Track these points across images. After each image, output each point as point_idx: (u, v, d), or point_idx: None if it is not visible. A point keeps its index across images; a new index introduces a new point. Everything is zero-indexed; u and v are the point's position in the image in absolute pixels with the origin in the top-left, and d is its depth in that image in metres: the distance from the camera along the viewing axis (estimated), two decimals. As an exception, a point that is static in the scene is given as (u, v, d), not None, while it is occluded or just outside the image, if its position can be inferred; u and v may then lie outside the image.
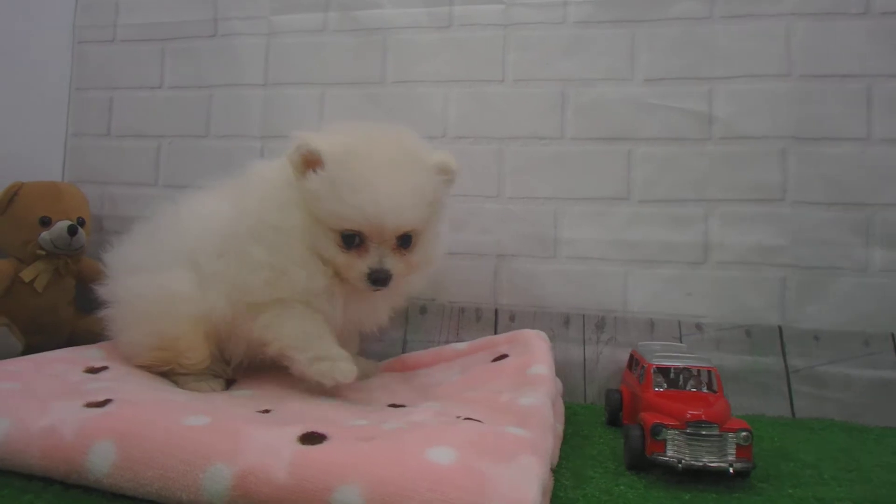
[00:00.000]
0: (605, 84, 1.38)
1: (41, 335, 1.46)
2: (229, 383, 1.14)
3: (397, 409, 1.05)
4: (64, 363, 1.10)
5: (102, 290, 1.23)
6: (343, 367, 1.05)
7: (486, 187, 1.43)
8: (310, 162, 1.01)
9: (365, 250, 1.01)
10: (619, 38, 1.38)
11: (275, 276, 1.04)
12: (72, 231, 1.45)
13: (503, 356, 1.19)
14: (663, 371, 1.05)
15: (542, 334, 1.23)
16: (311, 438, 0.76)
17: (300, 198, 1.02)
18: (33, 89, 1.63)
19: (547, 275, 1.40)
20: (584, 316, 1.38)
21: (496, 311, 1.42)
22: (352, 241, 1.02)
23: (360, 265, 1.01)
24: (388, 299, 1.14)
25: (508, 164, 1.42)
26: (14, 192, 1.46)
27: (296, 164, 1.01)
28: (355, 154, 1.00)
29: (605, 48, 1.38)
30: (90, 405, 0.85)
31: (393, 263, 1.01)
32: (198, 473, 0.72)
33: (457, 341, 1.38)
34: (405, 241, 1.03)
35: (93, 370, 1.08)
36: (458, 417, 0.88)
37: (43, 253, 1.45)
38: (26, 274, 1.44)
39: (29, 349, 1.39)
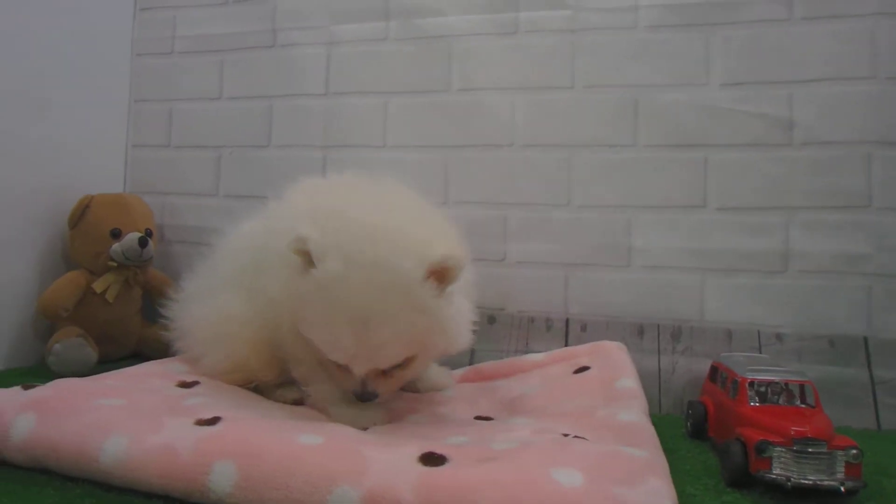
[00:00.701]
0: (678, 90, 1.38)
1: (111, 345, 1.51)
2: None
3: (485, 421, 1.06)
4: (158, 378, 1.13)
5: (172, 318, 1.28)
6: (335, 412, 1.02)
7: (555, 196, 1.43)
8: (309, 261, 0.92)
9: (349, 370, 0.95)
10: (693, 42, 1.37)
11: None
12: (142, 243, 1.49)
13: (584, 368, 1.20)
14: (758, 385, 1.04)
15: (623, 346, 1.24)
16: (432, 460, 0.77)
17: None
18: (94, 102, 1.66)
19: (620, 284, 1.40)
20: (658, 325, 1.37)
21: (567, 320, 1.42)
22: None
23: (346, 381, 0.97)
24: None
25: (578, 172, 1.42)
26: (85, 206, 1.50)
27: (299, 261, 0.94)
28: (334, 276, 0.90)
29: (678, 53, 1.38)
30: (200, 423, 0.87)
31: (378, 384, 0.97)
32: (324, 495, 0.73)
33: (526, 352, 1.40)
34: (399, 365, 0.96)
35: (185, 384, 1.10)
36: (567, 436, 0.89)
37: (114, 265, 1.49)
38: (98, 285, 1.48)
39: (100, 359, 1.43)
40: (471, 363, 1.40)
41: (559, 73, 1.44)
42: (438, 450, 0.79)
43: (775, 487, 0.89)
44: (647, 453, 0.82)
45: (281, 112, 1.61)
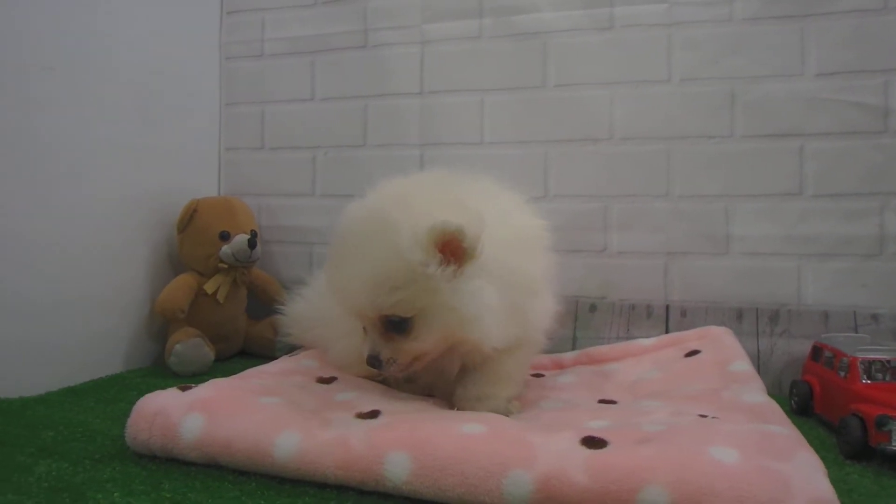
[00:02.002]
0: (775, 80, 1.46)
1: (222, 343, 1.62)
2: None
3: (610, 404, 1.15)
4: (298, 375, 1.23)
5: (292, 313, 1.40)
6: None
7: (654, 187, 1.52)
8: None
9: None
10: (788, 33, 1.45)
11: None
12: (251, 244, 1.59)
13: (695, 352, 1.29)
14: (868, 363, 1.14)
15: (729, 330, 1.34)
16: (594, 443, 0.86)
17: None
18: (186, 108, 1.75)
19: (719, 270, 1.49)
20: (757, 309, 1.47)
21: (667, 307, 1.52)
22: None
23: (363, 348, 1.01)
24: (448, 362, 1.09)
25: (677, 163, 1.51)
26: (193, 210, 1.60)
27: None
28: (341, 227, 1.00)
29: (774, 44, 1.46)
30: (362, 416, 0.98)
31: (383, 349, 0.98)
32: (499, 479, 0.82)
33: (627, 338, 1.50)
34: (396, 327, 0.96)
35: (324, 380, 1.20)
36: (705, 417, 0.99)
37: (224, 266, 1.60)
38: (209, 286, 1.59)
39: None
40: (573, 349, 1.51)
41: (656, 67, 1.52)
42: (596, 434, 0.89)
43: (890, 458, 1.00)
44: (788, 430, 0.91)
45: (376, 112, 1.70)
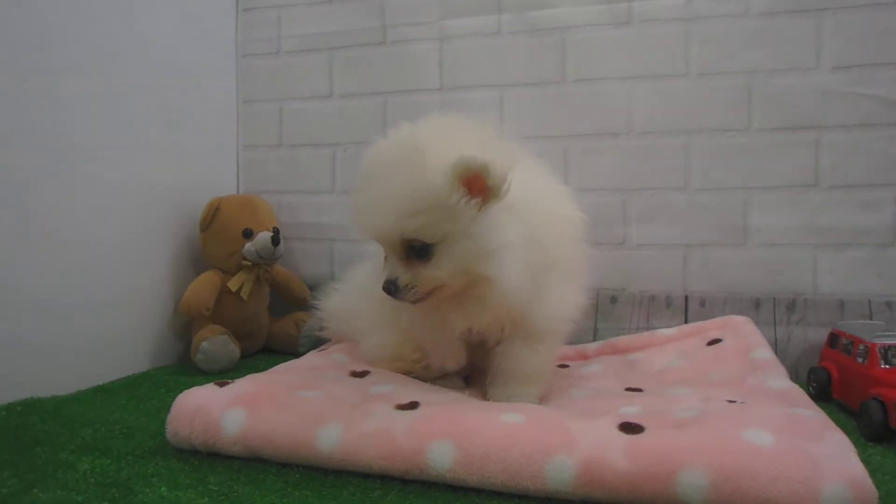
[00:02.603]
0: (791, 74, 1.50)
1: (246, 340, 1.65)
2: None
3: (636, 392, 1.20)
4: (332, 369, 1.27)
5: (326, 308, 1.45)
6: None
7: (673, 180, 1.57)
8: None
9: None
10: (804, 27, 1.49)
11: None
12: (275, 241, 1.62)
13: (717, 340, 1.35)
14: (888, 349, 1.19)
15: (749, 320, 1.38)
16: (631, 428, 0.90)
17: None
18: (203, 106, 1.78)
19: (736, 261, 1.54)
20: (774, 299, 1.52)
21: (686, 297, 1.56)
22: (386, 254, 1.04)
23: (381, 276, 1.03)
24: (457, 314, 1.08)
25: (695, 156, 1.56)
26: (215, 208, 1.64)
27: None
28: (367, 158, 1.03)
29: (790, 38, 1.50)
30: (401, 407, 1.01)
31: (402, 275, 1.00)
32: (541, 465, 0.86)
33: (648, 328, 1.55)
34: (418, 253, 0.99)
35: (357, 374, 1.23)
36: (734, 402, 1.03)
37: (247, 263, 1.63)
38: (233, 284, 1.62)
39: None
40: (594, 340, 1.56)
41: (674, 61, 1.56)
42: (632, 419, 0.93)
43: (910, 439, 1.05)
44: (816, 412, 0.96)
45: (395, 108, 1.74)
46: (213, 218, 1.63)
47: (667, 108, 1.56)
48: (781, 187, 1.50)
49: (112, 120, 1.44)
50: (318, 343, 1.56)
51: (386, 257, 1.04)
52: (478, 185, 0.95)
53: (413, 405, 1.02)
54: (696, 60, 1.55)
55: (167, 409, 1.03)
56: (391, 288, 1.00)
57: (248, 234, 1.62)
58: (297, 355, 1.57)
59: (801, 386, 1.24)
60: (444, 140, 0.98)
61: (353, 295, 1.40)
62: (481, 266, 0.98)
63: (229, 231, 1.62)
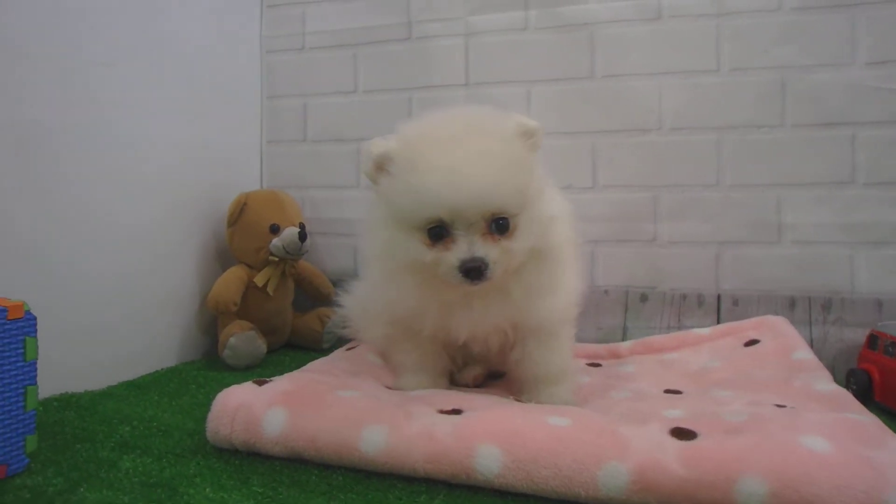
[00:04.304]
0: (825, 70, 1.47)
1: (272, 336, 1.64)
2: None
3: (675, 395, 1.17)
4: (367, 368, 1.25)
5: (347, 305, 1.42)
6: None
7: (705, 176, 1.54)
8: (382, 165, 0.98)
9: (452, 241, 0.94)
10: (838, 22, 1.46)
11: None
12: (302, 236, 1.61)
13: (754, 341, 1.32)
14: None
15: (786, 320, 1.35)
16: (684, 434, 0.88)
17: (381, 213, 1.02)
18: (227, 102, 1.77)
19: (770, 259, 1.51)
20: (809, 298, 1.49)
21: (718, 296, 1.54)
22: (438, 234, 0.95)
23: (448, 257, 0.94)
24: (495, 308, 1.04)
25: (727, 153, 1.53)
26: (243, 204, 1.62)
27: (370, 173, 1.00)
28: (421, 139, 0.96)
29: (824, 33, 1.47)
30: (444, 412, 0.98)
31: (487, 250, 0.93)
32: (593, 471, 0.84)
33: (679, 327, 1.52)
34: (500, 227, 0.95)
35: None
36: (783, 406, 1.00)
37: (274, 259, 1.61)
38: (259, 279, 1.60)
39: (264, 350, 1.57)
40: (624, 339, 1.54)
41: (704, 57, 1.53)
42: (684, 424, 0.91)
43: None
44: (870, 418, 0.94)
45: (421, 104, 1.71)
46: (240, 213, 1.61)
47: (697, 105, 1.53)
48: (816, 184, 1.48)
49: (141, 116, 1.44)
50: (342, 340, 1.53)
51: (451, 239, 0.95)
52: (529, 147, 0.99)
53: (456, 411, 0.99)
54: (727, 56, 1.52)
55: (199, 405, 1.02)
56: (479, 267, 0.93)
57: (275, 230, 1.60)
58: (321, 351, 1.57)
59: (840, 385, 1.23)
60: (489, 112, 1.00)
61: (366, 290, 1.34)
62: (548, 235, 0.99)
63: (256, 226, 1.61)
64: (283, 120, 1.86)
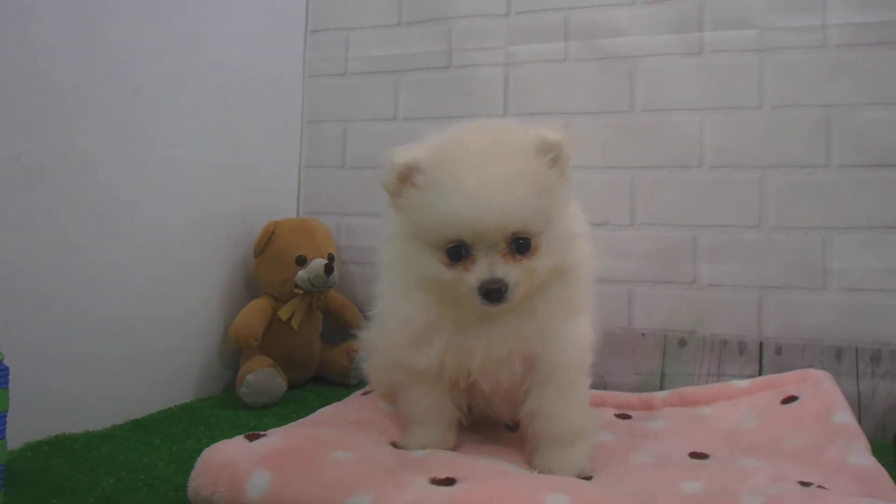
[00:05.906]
0: (874, 108, 1.43)
1: (296, 370, 1.64)
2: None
3: (702, 460, 1.12)
4: (375, 422, 1.21)
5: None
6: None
7: (746, 217, 1.51)
8: (405, 178, 0.99)
9: (472, 262, 0.94)
10: (887, 59, 1.42)
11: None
12: (328, 270, 1.60)
13: (793, 398, 1.26)
14: None
15: (830, 375, 1.29)
16: None
17: (399, 226, 1.03)
18: (268, 124, 1.80)
19: (816, 306, 1.47)
20: (857, 349, 1.44)
21: (761, 343, 1.50)
22: (457, 254, 0.95)
23: (468, 278, 0.94)
24: (512, 330, 1.02)
25: (770, 192, 1.50)
26: (271, 233, 1.62)
27: (390, 186, 1.01)
28: (443, 155, 0.97)
29: (871, 71, 1.43)
30: (436, 482, 0.94)
31: (507, 271, 0.93)
32: None
33: (718, 374, 1.49)
34: (522, 247, 0.95)
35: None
36: (808, 485, 0.95)
37: (300, 291, 1.61)
38: (283, 312, 1.59)
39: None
40: (661, 387, 1.50)
41: (747, 93, 1.51)
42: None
43: None
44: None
45: (459, 134, 1.74)
46: (267, 243, 1.61)
47: (740, 142, 1.51)
48: (864, 228, 1.44)
49: (172, 142, 1.45)
50: (367, 377, 1.53)
51: (472, 259, 0.96)
52: (554, 155, 0.99)
53: (449, 481, 0.95)
54: (771, 92, 1.49)
55: (200, 453, 0.97)
56: (499, 289, 0.93)
57: (301, 262, 1.60)
58: (349, 387, 1.57)
59: (887, 446, 1.19)
60: (513, 126, 1.02)
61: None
62: (570, 253, 1.00)
63: (283, 257, 1.61)
64: (322, 144, 1.89)
